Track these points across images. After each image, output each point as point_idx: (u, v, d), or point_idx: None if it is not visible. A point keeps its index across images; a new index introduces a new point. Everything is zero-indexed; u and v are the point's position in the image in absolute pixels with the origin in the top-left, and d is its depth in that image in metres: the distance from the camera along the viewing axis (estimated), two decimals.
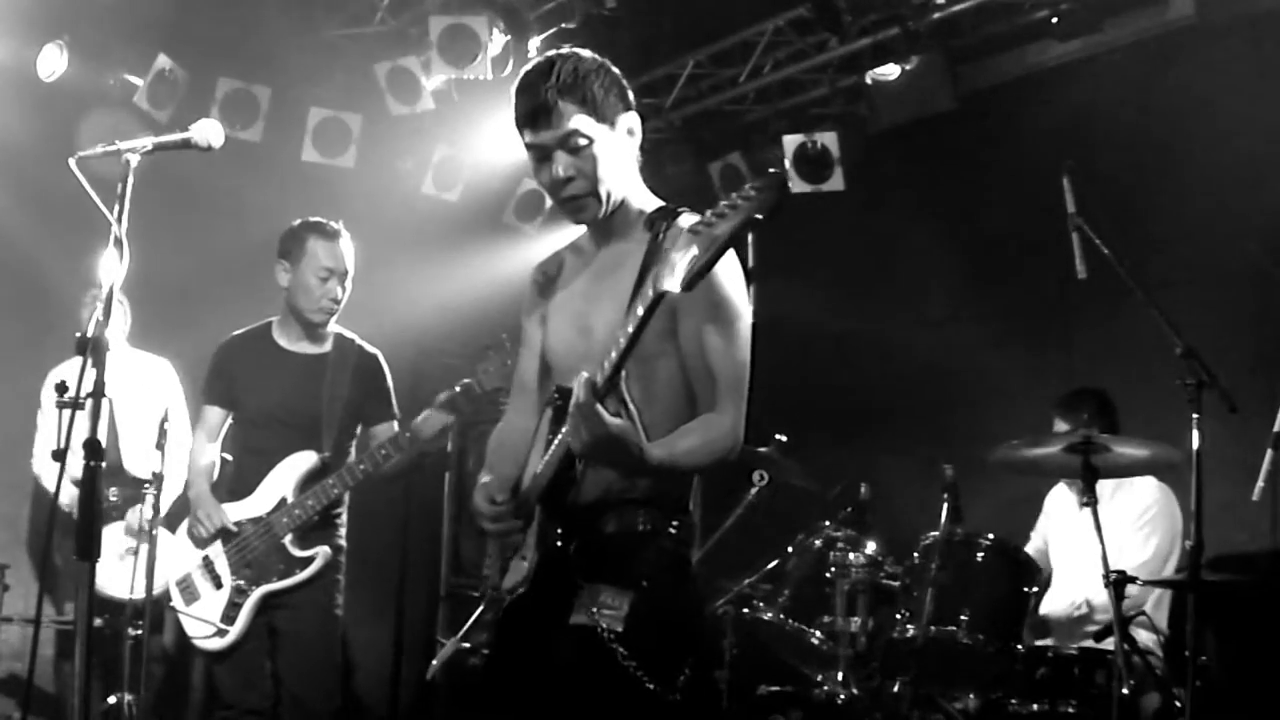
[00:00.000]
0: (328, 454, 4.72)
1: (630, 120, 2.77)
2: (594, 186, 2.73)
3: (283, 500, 4.68)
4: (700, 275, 2.31)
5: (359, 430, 4.88)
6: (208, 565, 4.71)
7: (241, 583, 4.65)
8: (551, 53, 2.77)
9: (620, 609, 2.57)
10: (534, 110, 2.70)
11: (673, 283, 2.32)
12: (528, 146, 2.76)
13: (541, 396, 2.93)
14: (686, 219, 2.70)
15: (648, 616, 2.58)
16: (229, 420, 4.91)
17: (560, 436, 2.59)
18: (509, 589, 2.75)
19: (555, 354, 2.87)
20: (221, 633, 4.61)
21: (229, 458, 5.03)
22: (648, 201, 2.85)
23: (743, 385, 2.68)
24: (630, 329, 2.43)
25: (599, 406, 2.44)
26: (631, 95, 2.81)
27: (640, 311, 2.41)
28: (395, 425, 4.82)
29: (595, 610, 2.58)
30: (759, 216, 2.28)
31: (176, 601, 4.72)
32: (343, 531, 4.84)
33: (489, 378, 4.58)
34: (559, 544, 2.64)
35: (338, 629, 4.81)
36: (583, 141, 2.69)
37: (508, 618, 2.78)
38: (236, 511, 4.72)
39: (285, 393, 4.77)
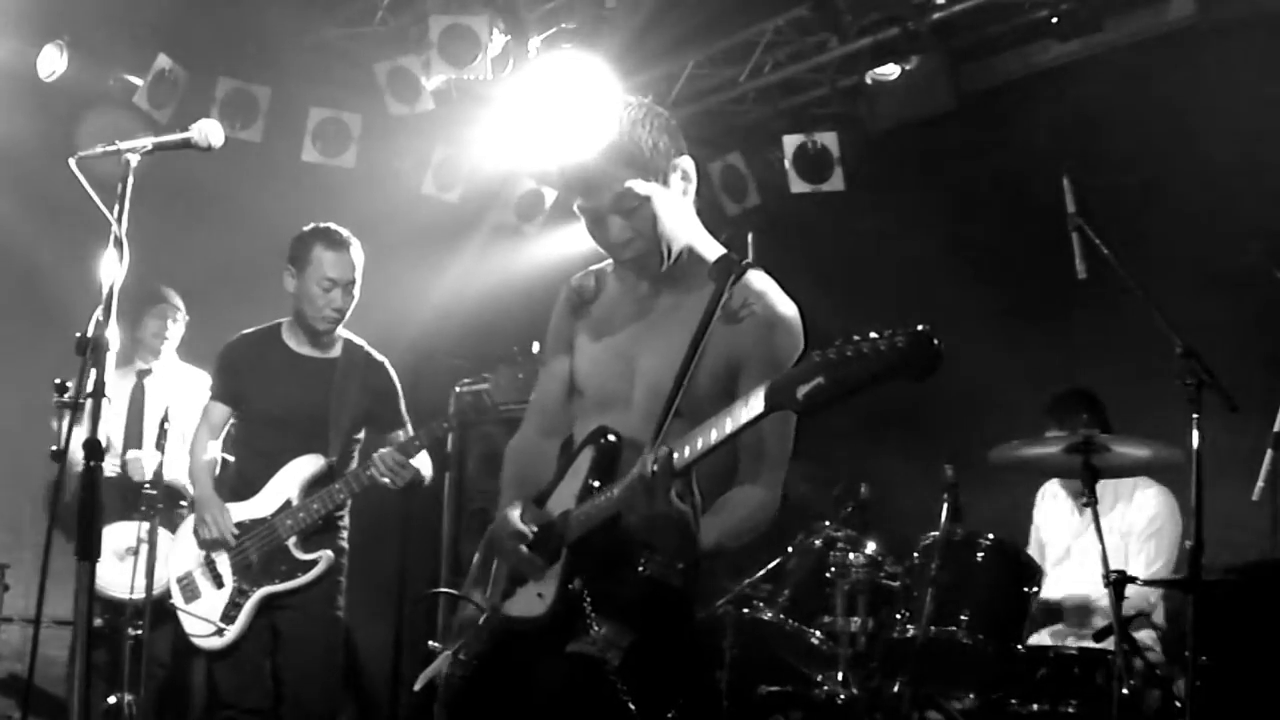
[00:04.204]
0: (334, 458, 4.73)
1: (683, 164, 2.70)
2: (655, 244, 2.68)
3: (288, 502, 4.69)
4: (822, 407, 2.23)
5: (362, 436, 4.89)
6: (209, 564, 4.72)
7: (243, 583, 4.66)
8: (600, 108, 2.69)
9: (621, 645, 2.57)
10: (584, 176, 2.66)
11: (794, 404, 2.24)
12: (579, 209, 2.71)
13: (562, 417, 2.89)
14: (755, 279, 2.69)
15: (646, 659, 2.58)
16: (232, 419, 4.92)
17: (612, 495, 2.53)
18: (514, 616, 2.72)
19: (589, 387, 2.82)
20: (221, 632, 4.62)
21: (229, 458, 5.03)
22: (707, 245, 2.79)
23: (786, 460, 2.69)
24: (734, 428, 2.36)
25: (673, 489, 2.41)
26: (678, 130, 2.72)
27: (749, 415, 2.34)
28: (409, 430, 4.83)
29: (596, 642, 2.57)
30: (898, 377, 2.16)
31: (176, 599, 4.73)
32: (345, 534, 4.85)
33: (499, 391, 4.59)
34: (580, 588, 2.60)
35: (339, 630, 4.81)
36: (634, 204, 2.64)
37: (506, 641, 2.75)
38: (240, 511, 4.73)
39: (293, 395, 4.78)
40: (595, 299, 2.88)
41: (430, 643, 5.14)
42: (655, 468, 2.40)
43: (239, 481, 4.85)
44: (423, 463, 4.77)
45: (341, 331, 4.89)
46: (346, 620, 4.87)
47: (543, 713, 2.63)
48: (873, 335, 2.18)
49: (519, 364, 4.53)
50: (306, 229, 4.85)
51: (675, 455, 2.41)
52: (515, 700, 2.68)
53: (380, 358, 4.96)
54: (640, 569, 2.61)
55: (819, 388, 2.21)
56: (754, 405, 2.32)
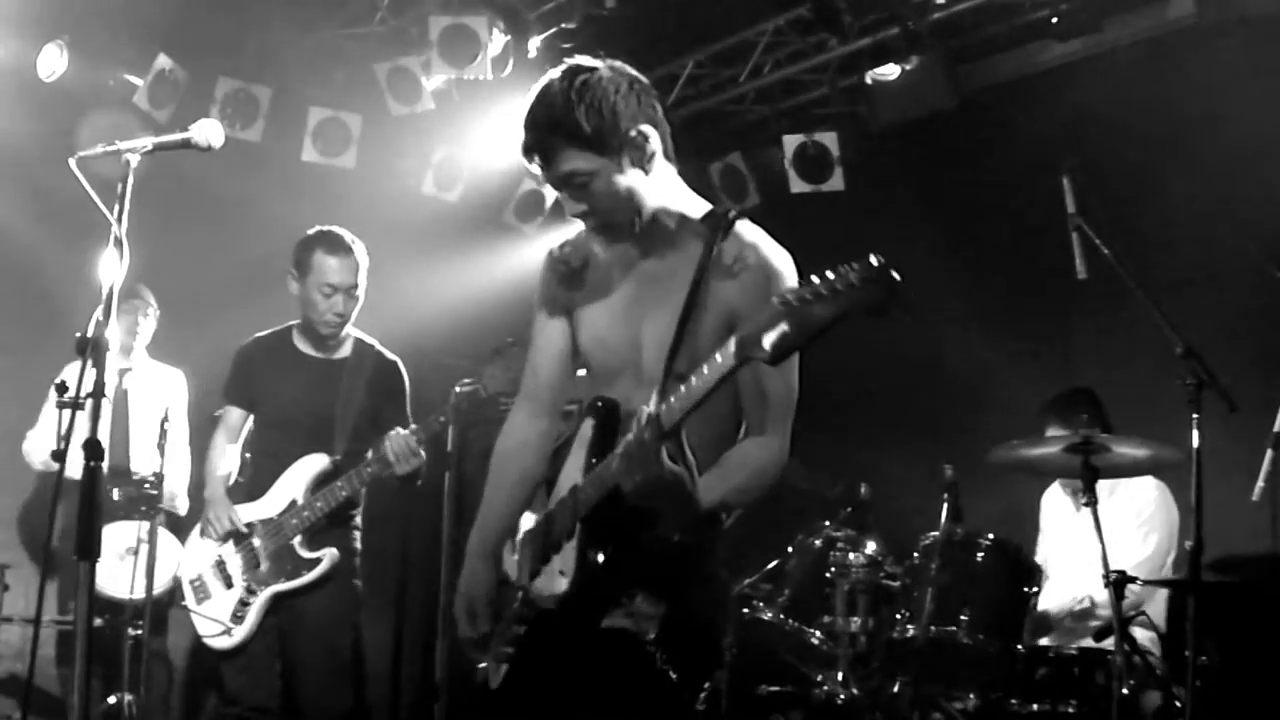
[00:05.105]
0: (339, 457, 4.75)
1: (638, 131, 2.61)
2: (609, 218, 2.65)
3: (293, 502, 4.72)
4: (789, 354, 2.19)
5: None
6: (220, 565, 4.75)
7: (251, 583, 4.69)
8: (548, 76, 2.64)
9: (655, 616, 2.56)
10: (529, 150, 2.63)
11: (760, 353, 2.20)
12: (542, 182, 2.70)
13: (556, 393, 2.88)
14: (745, 229, 2.66)
15: (680, 626, 2.57)
16: (249, 421, 4.93)
17: (610, 466, 2.51)
18: (541, 595, 2.71)
19: (595, 360, 2.80)
20: (230, 632, 4.66)
21: (247, 456, 5.05)
22: (689, 203, 2.74)
23: (792, 408, 2.66)
24: (710, 383, 2.31)
25: (662, 450, 2.39)
26: (643, 95, 2.63)
27: (722, 373, 2.30)
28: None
29: (630, 615, 2.57)
30: (857, 312, 2.11)
31: (189, 600, 4.78)
32: (357, 534, 4.87)
33: (494, 382, 4.57)
34: (599, 562, 2.58)
35: (347, 630, 4.83)
36: (581, 180, 2.60)
37: (539, 625, 2.74)
38: (250, 512, 4.76)
39: (301, 396, 4.80)
40: (585, 266, 2.83)
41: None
42: (645, 432, 2.38)
43: (251, 483, 4.87)
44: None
45: (353, 331, 4.91)
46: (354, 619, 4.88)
47: (586, 691, 2.62)
48: (829, 275, 2.14)
49: (513, 354, 4.52)
50: (310, 233, 4.85)
51: (662, 417, 2.39)
52: (558, 681, 2.67)
53: (392, 357, 4.98)
54: (657, 534, 2.57)
55: (784, 335, 2.16)
56: (726, 359, 2.29)
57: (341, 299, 4.76)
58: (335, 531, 4.76)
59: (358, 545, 4.87)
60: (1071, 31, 6.03)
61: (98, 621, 5.40)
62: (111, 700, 5.30)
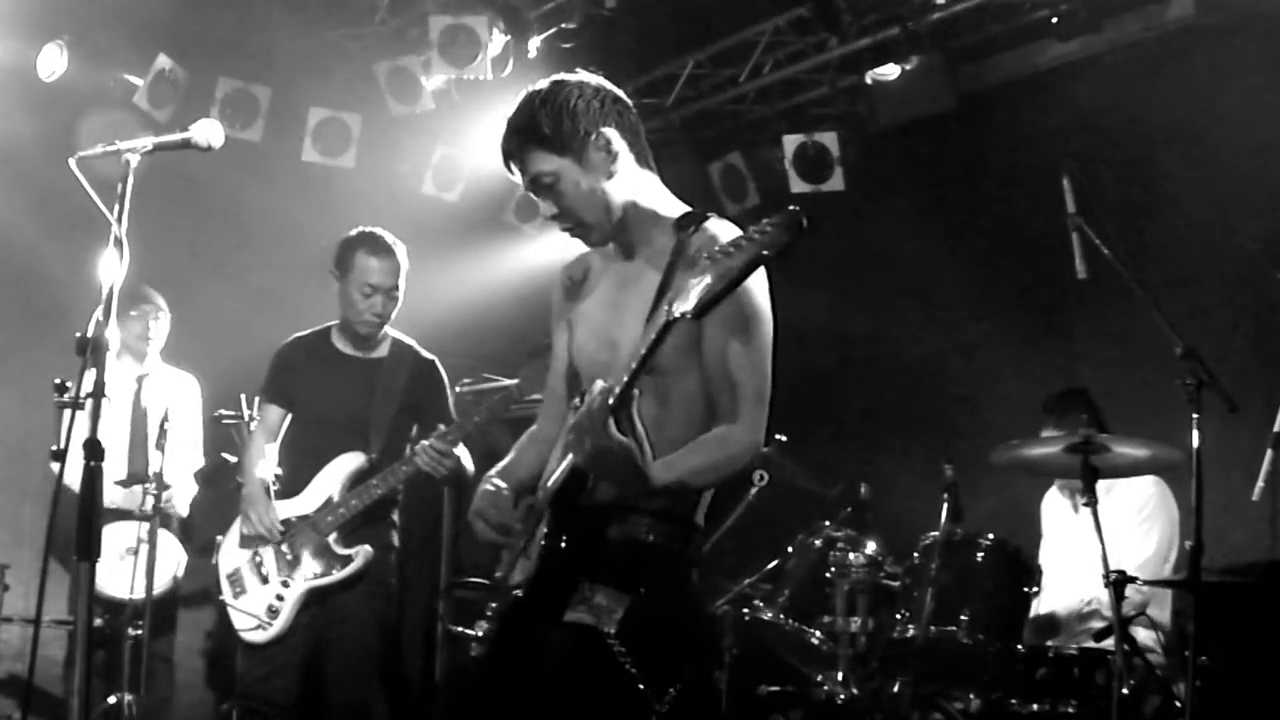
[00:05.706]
0: (375, 455, 4.80)
1: (603, 133, 2.72)
2: (578, 218, 2.75)
3: (329, 499, 4.77)
4: (712, 304, 2.34)
5: (414, 433, 4.91)
6: (256, 561, 4.78)
7: (286, 579, 4.72)
8: (527, 89, 2.77)
9: (615, 612, 2.58)
10: (505, 157, 2.78)
11: (685, 308, 2.34)
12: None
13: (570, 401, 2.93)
14: (714, 225, 2.71)
15: (643, 623, 2.58)
16: (288, 419, 4.97)
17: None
18: (515, 585, 2.75)
19: (581, 364, 2.87)
20: (265, 626, 4.69)
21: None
22: (664, 203, 2.82)
23: (764, 396, 2.68)
24: (643, 350, 2.43)
25: (609, 420, 2.44)
26: (607, 101, 2.75)
27: (653, 335, 2.42)
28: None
29: (591, 609, 2.59)
30: (767, 254, 2.31)
31: (225, 595, 4.81)
32: (394, 532, 4.91)
33: (530, 384, 4.60)
34: (563, 546, 2.63)
35: (376, 630, 4.85)
36: (547, 181, 2.72)
37: (510, 612, 2.78)
38: (286, 509, 4.80)
39: (338, 395, 4.85)
40: (584, 281, 2.93)
41: (462, 628, 5.15)
42: (594, 402, 2.46)
43: (289, 480, 4.90)
44: (464, 455, 4.79)
45: (390, 331, 4.97)
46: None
47: (549, 685, 2.64)
48: (751, 228, 2.34)
49: (548, 355, 4.54)
50: (352, 233, 4.92)
51: (609, 387, 2.46)
52: (525, 675, 2.69)
53: (429, 356, 5.03)
54: (625, 530, 2.62)
55: (708, 286, 2.33)
56: (658, 318, 2.43)
57: (381, 300, 4.83)
58: (372, 528, 4.80)
59: (395, 542, 4.92)
60: (1071, 31, 6.03)
61: (98, 622, 5.41)
62: (111, 700, 5.30)
